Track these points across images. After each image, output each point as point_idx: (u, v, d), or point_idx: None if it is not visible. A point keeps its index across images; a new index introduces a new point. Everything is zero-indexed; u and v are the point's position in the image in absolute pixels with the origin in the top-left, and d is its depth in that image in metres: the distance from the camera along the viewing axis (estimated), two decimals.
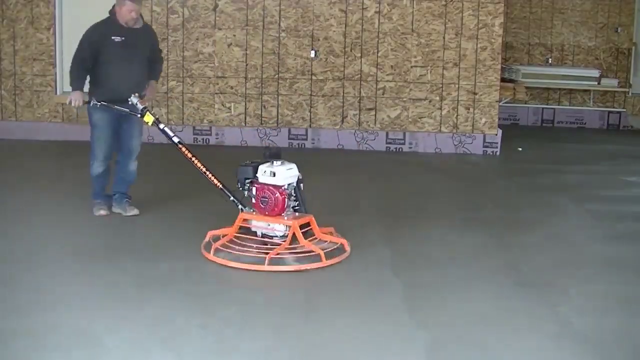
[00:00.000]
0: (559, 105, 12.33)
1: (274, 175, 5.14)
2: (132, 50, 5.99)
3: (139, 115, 5.85)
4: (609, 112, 12.26)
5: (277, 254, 4.89)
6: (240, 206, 5.33)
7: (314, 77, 9.43)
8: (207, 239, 5.22)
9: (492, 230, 6.04)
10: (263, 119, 9.51)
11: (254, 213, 5.22)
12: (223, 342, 3.82)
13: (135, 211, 6.11)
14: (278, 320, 4.09)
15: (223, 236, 5.18)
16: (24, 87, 9.59)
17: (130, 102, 5.82)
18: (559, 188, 7.62)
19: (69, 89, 9.58)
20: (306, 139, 9.49)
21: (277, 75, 9.43)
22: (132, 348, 3.71)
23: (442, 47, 9.35)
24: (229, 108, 9.47)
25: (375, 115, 9.47)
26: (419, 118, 9.47)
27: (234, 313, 4.16)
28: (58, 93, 9.63)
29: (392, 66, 9.39)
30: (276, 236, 5.14)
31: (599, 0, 12.13)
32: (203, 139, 9.50)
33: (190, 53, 9.38)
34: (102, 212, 6.07)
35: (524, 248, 5.59)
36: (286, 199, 5.11)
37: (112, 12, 6.03)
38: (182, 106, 9.44)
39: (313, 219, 5.18)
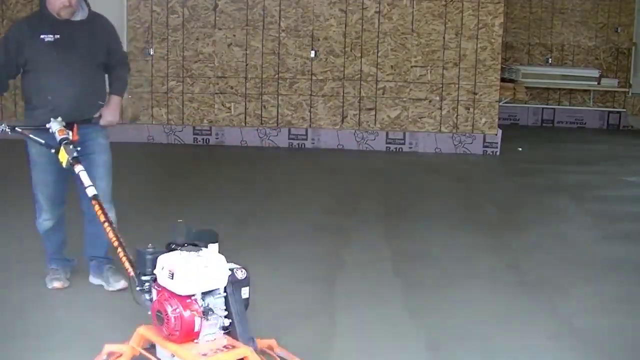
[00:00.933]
0: (559, 105, 12.33)
1: (172, 277, 3.11)
2: (71, 52, 4.25)
3: (53, 150, 4.04)
4: (609, 112, 12.26)
5: None
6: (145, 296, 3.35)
7: (314, 77, 9.43)
8: (103, 355, 3.39)
9: (492, 230, 6.04)
10: (263, 119, 9.51)
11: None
12: None
13: (122, 283, 4.32)
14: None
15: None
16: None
17: (49, 128, 4.05)
18: (559, 188, 7.62)
19: None
20: (306, 139, 9.49)
21: (277, 75, 9.43)
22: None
23: (442, 47, 9.35)
24: (229, 108, 9.47)
25: (375, 115, 9.46)
26: (419, 118, 9.47)
27: None
28: None
29: (392, 66, 9.39)
30: None
31: (599, 0, 12.13)
32: (203, 139, 9.50)
33: (190, 53, 9.38)
34: (57, 285, 4.42)
35: (524, 248, 5.59)
36: (201, 319, 3.09)
37: (43, 1, 4.24)
38: (182, 106, 9.43)
39: (253, 351, 3.10)
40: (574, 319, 4.21)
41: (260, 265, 4.52)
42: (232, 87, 9.46)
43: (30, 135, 4.25)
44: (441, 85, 9.41)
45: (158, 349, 3.25)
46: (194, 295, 3.11)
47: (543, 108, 12.34)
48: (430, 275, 4.90)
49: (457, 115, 9.46)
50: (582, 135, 11.50)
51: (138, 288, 3.31)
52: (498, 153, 9.44)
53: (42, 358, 3.62)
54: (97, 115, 4.34)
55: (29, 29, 4.23)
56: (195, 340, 3.11)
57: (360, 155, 9.22)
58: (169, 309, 3.09)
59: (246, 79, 9.43)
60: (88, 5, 4.46)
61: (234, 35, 9.35)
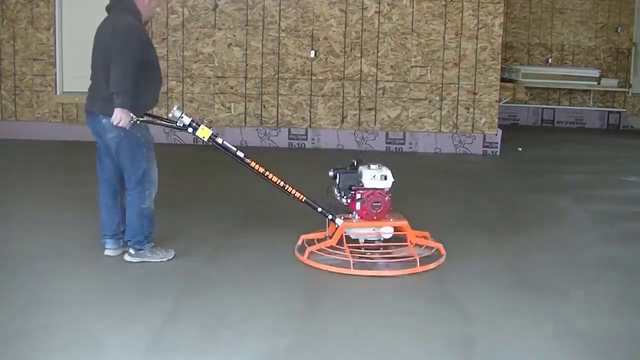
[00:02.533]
0: (559, 105, 12.33)
1: (386, 178, 5.16)
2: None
3: (191, 130, 4.88)
4: (609, 112, 12.26)
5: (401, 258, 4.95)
6: (330, 215, 5.11)
7: (314, 77, 9.43)
8: (300, 242, 5.18)
9: (492, 230, 6.04)
10: (263, 119, 9.51)
11: (354, 220, 5.09)
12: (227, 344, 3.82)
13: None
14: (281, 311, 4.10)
15: (318, 241, 5.10)
16: (24, 87, 9.59)
17: (172, 115, 4.86)
18: (559, 188, 7.62)
19: (69, 89, 9.73)
20: (306, 139, 9.49)
21: (277, 75, 9.43)
22: (132, 348, 3.71)
23: (442, 47, 9.35)
24: (229, 108, 9.47)
25: (375, 115, 9.47)
26: (419, 118, 9.47)
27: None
28: (58, 93, 9.64)
29: (392, 66, 9.39)
30: (379, 240, 5.14)
31: (599, 0, 12.13)
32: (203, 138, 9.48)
33: (190, 53, 9.38)
34: (173, 253, 5.04)
35: (524, 248, 5.59)
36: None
37: (129, 6, 4.83)
38: (182, 106, 9.43)
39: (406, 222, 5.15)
40: (574, 319, 4.21)
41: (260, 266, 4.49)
42: (232, 87, 9.46)
43: (161, 122, 5.15)
44: (441, 85, 9.41)
45: (354, 230, 5.09)
46: (387, 188, 5.18)
47: (543, 108, 12.34)
48: (429, 275, 4.90)
49: (457, 115, 9.46)
50: (582, 135, 11.50)
51: (341, 195, 5.12)
52: (498, 153, 9.44)
53: (42, 358, 3.62)
54: None
55: (142, 29, 4.90)
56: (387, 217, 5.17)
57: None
58: (383, 199, 5.11)
59: (246, 79, 9.43)
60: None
61: (234, 35, 9.35)
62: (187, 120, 4.83)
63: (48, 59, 9.54)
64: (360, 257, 4.92)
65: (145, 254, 4.93)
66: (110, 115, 4.61)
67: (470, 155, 9.36)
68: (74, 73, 9.71)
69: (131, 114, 4.63)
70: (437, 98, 9.43)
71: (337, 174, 5.19)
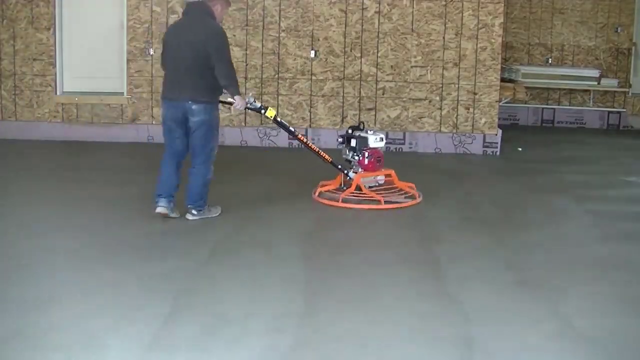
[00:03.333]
0: (559, 105, 12.34)
1: (382, 140, 6.93)
2: None
3: (262, 111, 6.33)
4: (609, 112, 12.26)
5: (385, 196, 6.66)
6: (346, 171, 6.79)
7: (314, 77, 9.43)
8: (318, 188, 6.82)
9: (492, 230, 6.04)
10: (263, 119, 9.50)
11: (363, 172, 6.78)
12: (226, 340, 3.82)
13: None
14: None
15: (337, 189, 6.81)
16: (24, 87, 9.59)
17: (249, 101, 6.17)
18: (559, 188, 7.62)
19: (69, 89, 9.74)
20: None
21: (277, 75, 9.43)
22: (132, 348, 3.71)
23: (442, 47, 9.35)
24: (229, 108, 9.45)
25: (375, 115, 9.47)
26: (419, 118, 9.48)
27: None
28: (58, 93, 9.64)
29: (392, 66, 9.39)
30: (377, 184, 6.84)
31: (599, 0, 12.13)
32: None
33: None
34: (220, 210, 6.15)
35: (523, 248, 5.59)
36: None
37: (210, 11, 5.86)
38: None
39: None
40: (574, 319, 4.21)
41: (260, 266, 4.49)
42: None
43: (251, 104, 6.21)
44: (441, 85, 9.41)
45: (362, 179, 6.73)
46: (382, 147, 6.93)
47: (543, 108, 12.35)
48: (429, 275, 4.90)
49: (457, 115, 9.46)
50: (582, 135, 11.50)
51: (357, 155, 6.80)
52: (498, 153, 9.44)
53: (42, 358, 3.62)
54: None
55: None
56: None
57: None
58: (381, 155, 6.87)
59: (246, 79, 9.42)
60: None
61: (234, 35, 9.35)
62: (258, 104, 6.28)
63: (48, 59, 9.54)
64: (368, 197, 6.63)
65: (204, 213, 5.98)
66: (198, 102, 5.72)
67: (470, 155, 9.36)
68: (74, 73, 9.73)
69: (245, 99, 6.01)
70: (437, 98, 9.43)
71: (350, 139, 6.90)
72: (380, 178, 6.87)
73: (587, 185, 7.80)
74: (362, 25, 9.36)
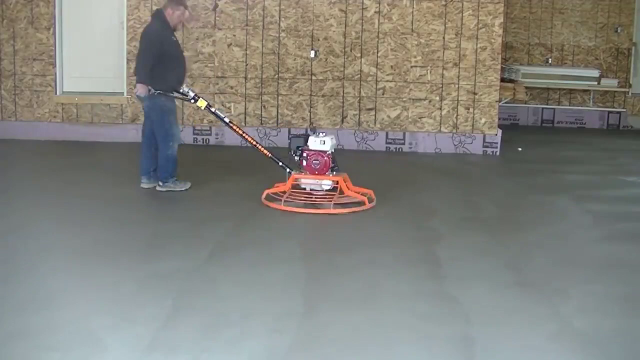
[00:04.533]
0: (559, 105, 12.34)
1: (324, 143, 6.67)
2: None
3: (192, 101, 6.93)
4: (609, 112, 12.27)
5: (335, 201, 6.47)
6: (288, 170, 6.74)
7: (313, 77, 9.44)
8: (264, 194, 6.62)
9: (492, 230, 6.04)
10: (263, 119, 9.52)
11: (303, 173, 6.64)
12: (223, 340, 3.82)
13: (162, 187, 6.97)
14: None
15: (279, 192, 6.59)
16: (24, 87, 9.59)
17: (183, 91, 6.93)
18: (559, 188, 7.62)
19: (69, 89, 9.74)
20: None
21: (277, 75, 9.44)
22: (132, 347, 3.71)
23: (442, 47, 9.35)
24: (229, 108, 9.47)
25: (375, 115, 9.47)
26: (419, 118, 9.48)
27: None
28: (58, 93, 9.64)
29: (392, 66, 9.39)
30: (322, 189, 6.60)
31: (599, 0, 12.13)
32: (203, 139, 9.50)
33: (190, 53, 9.37)
34: (188, 186, 6.97)
35: (524, 248, 5.59)
36: (329, 163, 6.64)
37: (162, 17, 6.88)
38: (182, 106, 9.43)
39: (347, 176, 6.73)
40: (574, 319, 4.21)
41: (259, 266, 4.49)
42: (232, 87, 9.46)
43: (175, 94, 6.89)
44: (441, 85, 9.41)
45: (304, 181, 6.63)
46: (328, 151, 6.65)
47: (543, 108, 12.35)
48: (429, 274, 4.90)
49: (457, 115, 9.46)
50: (582, 135, 11.50)
51: (292, 153, 6.76)
52: (498, 153, 9.45)
53: (42, 358, 3.62)
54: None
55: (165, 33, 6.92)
56: (327, 173, 6.61)
57: (360, 155, 9.21)
58: (321, 158, 6.59)
59: (246, 79, 9.43)
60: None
61: (234, 35, 9.35)
62: (191, 94, 6.91)
63: (48, 59, 9.55)
64: (310, 201, 6.51)
65: (169, 185, 6.88)
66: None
67: (470, 155, 9.36)
68: (74, 73, 9.73)
69: (148, 87, 6.66)
70: (437, 98, 9.44)
71: (295, 138, 6.91)
72: (326, 184, 6.59)
73: (587, 185, 7.80)
74: (362, 25, 9.36)
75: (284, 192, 6.55)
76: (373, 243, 5.61)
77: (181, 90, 6.88)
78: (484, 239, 5.78)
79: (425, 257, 5.31)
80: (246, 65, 9.43)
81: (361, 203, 6.50)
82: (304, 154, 6.65)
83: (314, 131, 6.91)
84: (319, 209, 6.40)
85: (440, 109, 9.45)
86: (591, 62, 12.23)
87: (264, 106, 9.46)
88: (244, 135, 7.00)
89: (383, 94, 9.44)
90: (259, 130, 9.49)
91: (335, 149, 6.80)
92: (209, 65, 9.42)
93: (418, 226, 6.10)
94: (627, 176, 8.32)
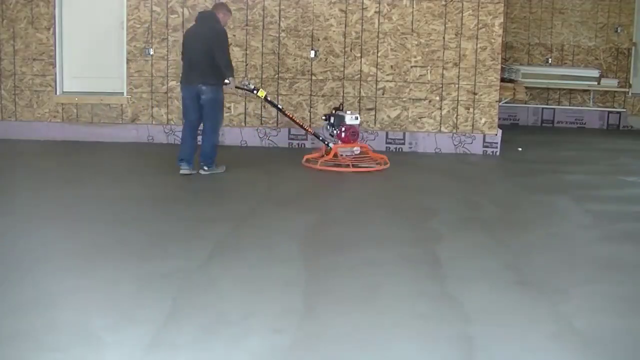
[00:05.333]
0: (559, 105, 12.34)
1: (357, 118, 8.41)
2: None
3: (255, 91, 8.24)
4: (609, 112, 12.27)
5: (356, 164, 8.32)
6: (327, 142, 8.44)
7: (313, 77, 9.44)
8: (304, 159, 8.39)
9: (492, 230, 6.04)
10: (263, 119, 9.52)
11: (341, 144, 8.35)
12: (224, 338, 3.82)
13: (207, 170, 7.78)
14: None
15: (319, 157, 8.37)
16: (24, 87, 9.59)
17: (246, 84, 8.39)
18: (559, 188, 7.62)
19: (69, 89, 9.75)
20: (306, 139, 9.49)
21: (277, 75, 9.44)
22: (132, 347, 3.71)
23: (442, 47, 9.35)
24: (229, 108, 9.46)
25: (375, 115, 9.47)
26: (419, 118, 9.48)
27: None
28: (58, 93, 9.64)
29: (392, 66, 9.39)
30: (353, 154, 8.35)
31: (599, 0, 12.14)
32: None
33: None
34: (224, 167, 7.82)
35: (524, 248, 5.59)
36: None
37: (218, 19, 7.76)
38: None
39: (367, 145, 8.77)
40: (574, 319, 4.21)
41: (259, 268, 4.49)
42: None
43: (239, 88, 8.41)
44: (441, 85, 9.42)
45: (341, 150, 8.32)
46: (357, 124, 8.50)
47: (543, 108, 12.36)
48: (429, 274, 4.90)
49: (457, 115, 9.46)
50: (582, 135, 11.50)
51: (334, 128, 8.47)
52: (498, 153, 9.45)
53: (42, 358, 3.62)
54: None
55: None
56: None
57: None
58: (357, 130, 8.46)
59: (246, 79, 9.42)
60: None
61: (234, 35, 9.35)
62: (251, 86, 8.27)
63: (48, 59, 9.55)
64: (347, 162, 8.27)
65: (213, 169, 7.68)
66: (207, 84, 7.54)
67: (470, 156, 9.36)
68: (74, 73, 9.73)
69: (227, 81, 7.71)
70: (437, 98, 9.44)
71: (331, 117, 8.49)
72: (356, 149, 8.40)
73: (587, 185, 7.80)
74: (362, 25, 9.36)
75: (323, 157, 8.31)
76: (373, 243, 5.61)
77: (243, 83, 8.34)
78: (484, 239, 5.78)
79: (425, 257, 5.31)
80: (246, 65, 9.43)
81: (382, 163, 8.35)
82: (343, 128, 8.29)
83: (344, 110, 8.58)
84: (355, 167, 8.14)
85: (440, 109, 9.45)
86: (591, 62, 12.23)
87: (264, 106, 9.46)
88: (294, 119, 8.59)
89: (383, 94, 9.44)
90: (258, 130, 9.49)
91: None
92: None
93: (418, 226, 6.10)
94: (627, 176, 8.33)
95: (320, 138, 8.54)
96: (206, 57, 7.51)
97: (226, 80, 7.65)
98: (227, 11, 8.00)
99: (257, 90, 8.15)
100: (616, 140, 11.04)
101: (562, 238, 5.93)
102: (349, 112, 8.42)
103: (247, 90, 8.32)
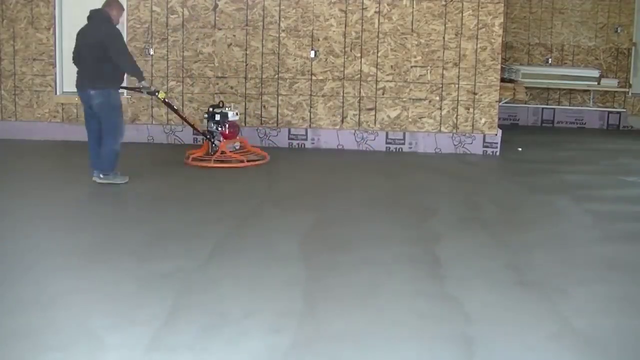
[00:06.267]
0: (559, 105, 12.34)
1: (237, 115, 8.63)
2: None
3: (156, 94, 7.55)
4: (609, 112, 12.27)
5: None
6: (213, 140, 8.41)
7: (313, 77, 9.44)
8: (189, 158, 8.32)
9: (492, 230, 6.04)
10: (263, 119, 9.51)
11: (225, 140, 8.45)
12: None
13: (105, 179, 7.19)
14: None
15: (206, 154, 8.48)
16: (24, 87, 9.59)
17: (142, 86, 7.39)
18: (559, 188, 7.62)
19: (69, 89, 9.73)
20: (306, 139, 9.49)
21: (277, 75, 9.44)
22: (132, 348, 3.71)
23: (442, 47, 9.35)
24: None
25: (375, 115, 9.47)
26: (419, 118, 9.48)
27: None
28: (58, 93, 9.64)
29: (392, 66, 9.39)
30: (235, 148, 8.55)
31: (599, 0, 12.14)
32: (203, 139, 9.49)
33: (190, 53, 9.38)
34: (126, 179, 7.19)
35: (524, 248, 5.59)
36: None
37: (109, 16, 7.15)
38: (182, 106, 9.44)
39: (245, 139, 8.84)
40: (574, 319, 4.21)
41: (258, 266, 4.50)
42: (232, 87, 9.46)
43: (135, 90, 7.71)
44: (441, 85, 9.42)
45: (225, 143, 8.44)
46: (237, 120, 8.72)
47: (543, 108, 12.35)
48: (429, 274, 4.90)
49: (457, 115, 9.46)
50: (582, 135, 11.50)
51: (216, 127, 8.44)
52: (498, 153, 9.44)
53: (42, 358, 3.62)
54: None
55: None
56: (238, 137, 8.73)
57: (360, 155, 9.21)
58: (236, 126, 8.63)
59: (246, 79, 9.43)
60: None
61: (234, 35, 9.35)
62: (152, 89, 7.53)
63: (48, 59, 9.55)
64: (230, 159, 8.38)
65: (110, 178, 7.12)
66: (95, 88, 6.99)
67: (470, 156, 9.36)
68: (74, 73, 9.71)
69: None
70: (437, 98, 9.44)
71: (214, 114, 8.48)
72: (237, 144, 8.63)
73: (587, 185, 7.80)
74: (362, 25, 9.36)
75: (207, 155, 8.39)
76: (373, 242, 5.61)
77: (140, 85, 7.35)
78: (484, 238, 5.78)
79: (425, 256, 5.31)
80: (246, 65, 9.43)
81: (263, 157, 8.58)
82: (227, 124, 8.43)
83: (224, 106, 8.56)
84: (231, 163, 8.24)
85: (440, 109, 9.45)
86: (591, 62, 12.23)
87: (264, 106, 9.47)
88: (185, 118, 8.57)
89: (383, 94, 9.44)
90: (259, 130, 9.49)
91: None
92: (209, 65, 9.42)
93: (418, 226, 6.10)
94: (627, 176, 8.32)
95: (208, 136, 8.48)
96: (93, 60, 7.02)
97: (139, 85, 7.32)
98: (119, 7, 7.30)
99: (158, 92, 7.56)
100: (616, 140, 11.04)
101: (562, 238, 5.93)
102: (229, 108, 8.54)
103: (149, 93, 7.66)
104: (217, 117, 8.45)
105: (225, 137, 8.44)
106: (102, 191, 6.98)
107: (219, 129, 8.45)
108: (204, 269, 4.94)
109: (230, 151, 8.45)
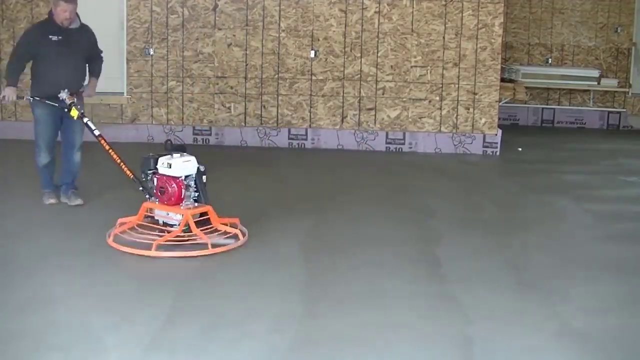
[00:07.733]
0: (558, 105, 12.33)
1: (170, 167, 5.39)
2: (68, 49, 6.29)
3: (66, 110, 6.10)
4: (609, 112, 12.26)
5: (166, 241, 5.19)
6: (147, 195, 5.57)
7: (313, 77, 9.43)
8: (116, 227, 5.51)
9: (492, 230, 6.04)
10: (263, 119, 9.51)
11: (156, 202, 5.49)
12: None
13: (80, 201, 6.39)
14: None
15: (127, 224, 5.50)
16: (24, 87, 9.57)
17: (59, 97, 6.07)
18: (559, 188, 7.62)
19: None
20: (306, 139, 9.49)
21: (277, 75, 9.43)
22: (132, 348, 3.71)
23: (442, 47, 9.35)
24: (229, 108, 9.47)
25: (375, 115, 9.47)
26: (419, 118, 9.47)
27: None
28: None
29: (392, 66, 9.39)
30: (175, 224, 5.35)
31: (599, 0, 12.13)
32: (203, 139, 9.50)
33: (190, 53, 9.38)
34: (52, 201, 6.37)
35: (524, 248, 5.59)
36: (183, 190, 5.37)
37: (50, 13, 6.41)
38: (182, 106, 9.44)
39: (211, 209, 5.42)
40: (574, 319, 4.21)
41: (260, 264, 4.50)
42: (231, 87, 9.46)
43: (47, 101, 6.14)
44: (441, 85, 9.41)
45: (157, 212, 5.47)
46: (180, 177, 5.39)
47: (543, 108, 12.34)
48: (430, 275, 4.90)
49: (457, 115, 9.46)
50: (582, 135, 11.50)
51: (143, 177, 5.59)
52: (498, 153, 9.44)
53: (42, 358, 3.62)
54: (81, 90, 6.46)
55: (41, 31, 6.39)
56: (180, 205, 5.38)
57: (360, 155, 9.21)
58: (169, 186, 5.35)
59: (246, 79, 9.43)
60: (79, 18, 6.48)
61: (234, 35, 9.35)
62: (68, 102, 6.06)
63: None
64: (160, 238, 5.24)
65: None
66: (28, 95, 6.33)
67: (470, 156, 9.36)
68: None
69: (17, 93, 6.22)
70: (437, 98, 9.43)
71: (144, 160, 5.66)
72: (174, 217, 5.37)
73: (587, 185, 7.80)
74: (362, 25, 9.36)
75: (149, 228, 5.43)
76: (373, 243, 5.61)
77: (59, 97, 6.04)
78: (484, 239, 5.78)
79: (425, 257, 5.31)
80: (246, 65, 9.42)
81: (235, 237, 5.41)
82: (155, 179, 5.50)
83: (172, 148, 5.59)
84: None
85: (440, 109, 9.45)
86: (591, 62, 12.22)
87: (264, 106, 9.46)
88: (110, 152, 5.89)
89: (383, 94, 9.44)
90: (259, 130, 9.49)
91: (201, 174, 5.47)
92: (209, 65, 9.42)
93: (418, 226, 6.10)
94: (627, 176, 8.32)
95: (141, 188, 5.66)
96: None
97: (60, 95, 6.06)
98: (55, 0, 6.27)
99: (70, 109, 6.03)
100: (616, 140, 11.03)
101: (562, 238, 5.93)
102: (179, 154, 5.51)
103: (57, 106, 6.13)
104: (143, 165, 5.64)
105: (160, 199, 5.45)
106: (101, 192, 6.97)
107: (150, 183, 5.58)
108: (204, 269, 4.93)
109: (164, 225, 5.43)
